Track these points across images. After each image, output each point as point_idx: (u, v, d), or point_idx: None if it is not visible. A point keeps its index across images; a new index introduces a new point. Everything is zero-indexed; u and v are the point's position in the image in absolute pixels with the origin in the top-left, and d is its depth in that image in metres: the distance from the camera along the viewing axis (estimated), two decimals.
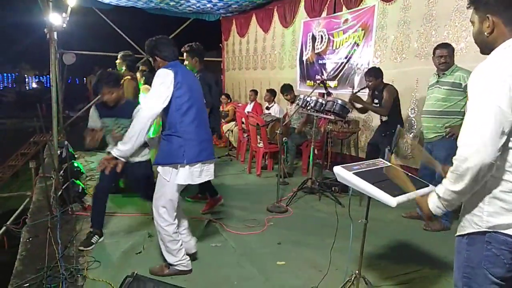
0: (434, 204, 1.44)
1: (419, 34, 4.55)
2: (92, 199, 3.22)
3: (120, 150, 2.44)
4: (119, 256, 2.95)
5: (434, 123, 3.40)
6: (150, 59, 2.64)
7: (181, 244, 2.66)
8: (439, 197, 1.40)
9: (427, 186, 1.94)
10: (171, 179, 2.48)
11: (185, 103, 2.47)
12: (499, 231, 1.32)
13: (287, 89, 5.75)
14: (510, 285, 1.39)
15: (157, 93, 2.40)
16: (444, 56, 3.31)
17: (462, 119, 3.34)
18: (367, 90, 4.40)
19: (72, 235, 3.25)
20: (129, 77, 4.28)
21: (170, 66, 2.51)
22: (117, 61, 4.55)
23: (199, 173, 2.55)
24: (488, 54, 1.40)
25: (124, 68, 4.45)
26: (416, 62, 4.61)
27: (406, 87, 4.68)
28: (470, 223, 1.39)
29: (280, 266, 2.83)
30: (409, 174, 2.05)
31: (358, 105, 4.36)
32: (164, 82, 2.40)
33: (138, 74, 4.87)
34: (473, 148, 1.21)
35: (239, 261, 2.91)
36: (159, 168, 2.53)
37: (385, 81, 4.42)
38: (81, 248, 2.99)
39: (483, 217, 1.34)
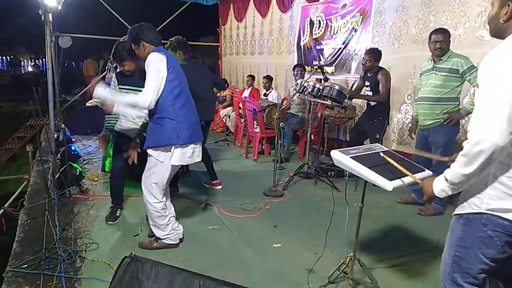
0: (439, 188, 1.46)
1: (417, 20, 4.53)
2: (110, 180, 3.41)
3: (104, 95, 2.47)
4: (117, 238, 2.99)
5: (431, 110, 3.40)
6: (133, 46, 2.63)
7: (169, 219, 2.75)
8: (446, 180, 1.42)
9: (424, 171, 1.97)
10: (165, 161, 2.55)
11: (177, 87, 2.54)
12: (497, 214, 1.35)
13: (300, 66, 5.73)
14: (499, 266, 1.44)
15: (156, 84, 2.42)
16: (440, 42, 3.29)
17: (459, 105, 3.37)
18: (354, 75, 4.37)
19: (70, 217, 3.28)
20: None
21: (159, 50, 2.53)
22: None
23: (191, 154, 2.64)
24: (497, 37, 1.42)
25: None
26: (413, 48, 4.59)
27: (403, 73, 4.68)
28: (470, 204, 1.42)
29: (276, 249, 2.88)
30: (406, 159, 2.08)
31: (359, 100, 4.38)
32: (159, 68, 2.43)
33: None
34: (486, 132, 1.23)
35: (236, 244, 2.95)
36: (151, 151, 2.56)
37: (382, 66, 4.43)
38: (110, 222, 3.22)
39: (484, 199, 1.38)
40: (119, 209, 3.37)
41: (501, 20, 1.38)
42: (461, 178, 1.35)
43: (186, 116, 2.58)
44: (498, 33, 1.42)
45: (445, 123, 3.33)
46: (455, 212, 1.52)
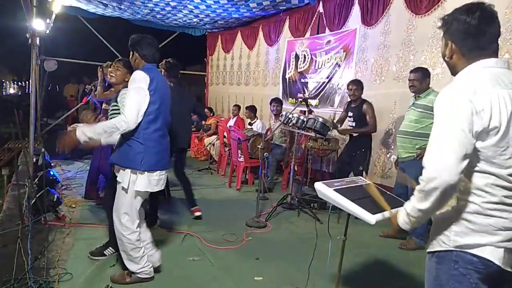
0: (402, 219, 1.47)
1: (398, 58, 4.73)
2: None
3: (87, 134, 2.38)
4: (93, 268, 2.86)
5: (406, 143, 3.53)
6: (130, 53, 2.62)
7: (144, 251, 2.64)
8: (407, 213, 1.43)
9: (403, 204, 1.99)
10: (130, 187, 2.48)
11: (155, 111, 2.48)
12: (466, 250, 1.34)
13: (277, 100, 5.80)
14: None
15: (135, 103, 2.37)
16: (412, 80, 3.50)
17: None
18: (337, 108, 4.50)
19: (43, 245, 3.14)
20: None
21: (147, 69, 2.50)
22: (109, 69, 4.43)
23: (157, 181, 2.55)
24: (454, 75, 1.46)
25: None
26: (394, 85, 4.76)
27: (384, 108, 4.82)
28: (438, 242, 1.42)
29: (258, 282, 2.81)
30: (387, 192, 2.10)
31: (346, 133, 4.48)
32: (141, 88, 2.39)
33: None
34: (438, 170, 1.25)
35: (216, 276, 2.87)
36: (119, 176, 2.52)
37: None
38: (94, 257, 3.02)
39: (450, 236, 1.37)
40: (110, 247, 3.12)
41: (446, 57, 1.45)
42: (418, 213, 1.37)
43: (157, 142, 2.51)
44: (450, 69, 1.48)
45: (417, 158, 3.43)
46: (427, 250, 1.51)
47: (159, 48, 2.64)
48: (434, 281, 1.46)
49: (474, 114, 1.25)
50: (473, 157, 1.28)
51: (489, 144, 1.27)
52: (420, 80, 3.48)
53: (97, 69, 4.48)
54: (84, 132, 2.39)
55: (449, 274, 1.39)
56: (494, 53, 1.38)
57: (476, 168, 1.31)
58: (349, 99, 4.53)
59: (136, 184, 2.47)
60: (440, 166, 1.25)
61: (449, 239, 1.37)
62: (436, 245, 1.43)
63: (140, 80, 2.41)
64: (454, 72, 1.45)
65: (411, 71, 3.58)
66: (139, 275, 2.64)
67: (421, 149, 3.41)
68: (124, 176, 2.49)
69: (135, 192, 2.50)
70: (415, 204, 1.36)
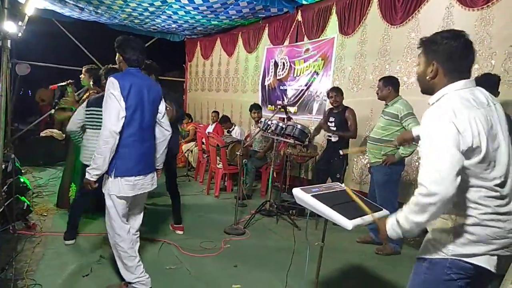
0: (391, 228, 1.51)
1: (374, 67, 4.84)
2: (71, 211, 3.47)
3: (92, 173, 2.39)
4: (64, 278, 2.76)
5: (374, 149, 3.61)
6: (117, 54, 2.57)
7: (139, 261, 2.59)
8: (398, 223, 1.46)
9: (381, 210, 2.02)
10: (106, 191, 2.46)
11: (128, 117, 2.42)
12: (462, 259, 1.43)
13: (256, 107, 5.80)
14: None
15: (112, 112, 2.34)
16: (377, 88, 3.68)
17: (398, 148, 3.58)
18: (315, 115, 4.58)
19: (11, 255, 3.01)
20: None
21: (122, 75, 2.47)
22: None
23: (132, 187, 2.49)
24: (427, 94, 1.56)
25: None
26: (370, 93, 4.85)
27: (361, 116, 4.90)
28: (435, 250, 1.48)
29: None
30: (364, 198, 2.13)
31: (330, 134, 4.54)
32: (111, 94, 2.35)
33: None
34: (435, 185, 1.31)
35: (193, 285, 2.82)
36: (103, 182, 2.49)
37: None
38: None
39: (449, 246, 1.45)
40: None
41: (427, 77, 1.52)
42: (412, 225, 1.41)
43: (131, 147, 2.46)
44: (428, 89, 1.56)
45: (383, 164, 3.52)
46: (418, 255, 1.56)
47: (144, 50, 2.57)
48: (421, 285, 1.52)
49: (458, 134, 1.33)
50: (463, 173, 1.35)
51: (475, 162, 1.37)
52: (382, 88, 3.62)
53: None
54: (90, 172, 2.39)
55: (439, 279, 1.46)
56: (469, 75, 1.49)
57: (469, 184, 1.40)
58: (329, 107, 4.59)
59: (111, 189, 2.44)
60: (436, 181, 1.31)
61: (447, 249, 1.45)
62: (432, 252, 1.49)
63: (110, 87, 2.36)
64: (429, 91, 1.54)
65: (379, 80, 3.73)
66: (135, 286, 2.57)
67: (386, 156, 3.50)
68: (104, 181, 2.48)
69: (113, 197, 2.46)
70: (410, 217, 1.40)
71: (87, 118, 3.26)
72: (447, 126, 1.34)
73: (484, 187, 1.40)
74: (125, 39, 2.53)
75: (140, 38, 2.66)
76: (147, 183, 2.59)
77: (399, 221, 1.45)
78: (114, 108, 2.34)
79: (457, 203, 1.42)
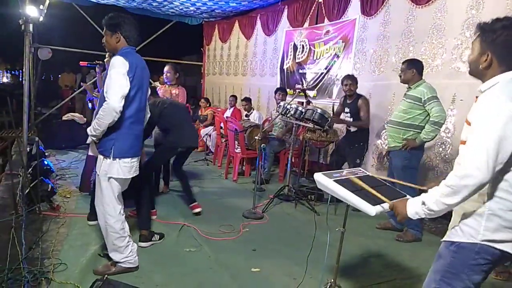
0: (414, 210, 1.50)
1: (397, 49, 4.67)
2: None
3: (91, 134, 2.46)
4: (88, 258, 2.83)
5: (394, 133, 3.53)
6: (105, 31, 2.49)
7: (128, 241, 2.62)
8: (423, 204, 1.46)
9: (404, 196, 1.97)
10: (103, 173, 2.46)
11: (130, 97, 2.41)
12: (491, 244, 1.41)
13: (282, 89, 5.78)
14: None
15: (118, 88, 2.31)
16: (400, 71, 3.55)
17: (419, 132, 3.48)
18: (335, 99, 4.50)
19: (38, 235, 3.10)
20: None
21: (126, 53, 2.42)
22: (105, 59, 4.32)
23: (129, 168, 2.51)
24: (476, 78, 1.52)
25: None
26: (393, 76, 4.71)
27: (382, 100, 4.79)
28: (464, 234, 1.47)
29: (255, 273, 2.80)
30: (388, 184, 2.08)
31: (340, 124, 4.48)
32: (122, 73, 2.33)
33: None
34: (474, 168, 1.32)
35: (213, 267, 2.85)
36: (97, 162, 2.51)
37: (363, 93, 4.52)
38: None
39: (480, 230, 1.43)
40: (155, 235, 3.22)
41: (480, 66, 1.47)
42: (443, 206, 1.41)
43: (128, 128, 2.46)
44: (478, 75, 1.51)
45: (402, 148, 3.43)
46: (445, 239, 1.55)
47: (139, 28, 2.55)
48: (446, 267, 1.51)
49: (510, 120, 1.32)
50: (509, 158, 1.34)
51: None
52: (405, 70, 3.50)
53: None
54: (89, 133, 2.45)
55: (466, 263, 1.46)
56: None
57: (510, 169, 1.38)
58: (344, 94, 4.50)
59: (108, 170, 2.45)
60: (476, 164, 1.32)
61: (478, 233, 1.44)
62: (461, 236, 1.48)
63: (119, 66, 2.34)
64: (483, 78, 1.49)
65: (402, 63, 3.61)
66: (123, 265, 2.61)
67: (407, 140, 3.40)
68: (98, 162, 2.48)
69: (110, 179, 2.48)
70: (441, 199, 1.40)
71: None
72: (500, 115, 1.33)
73: None
74: (122, 17, 2.48)
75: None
76: (138, 166, 2.62)
77: (426, 202, 1.45)
78: (121, 87, 2.32)
79: (492, 187, 1.40)
